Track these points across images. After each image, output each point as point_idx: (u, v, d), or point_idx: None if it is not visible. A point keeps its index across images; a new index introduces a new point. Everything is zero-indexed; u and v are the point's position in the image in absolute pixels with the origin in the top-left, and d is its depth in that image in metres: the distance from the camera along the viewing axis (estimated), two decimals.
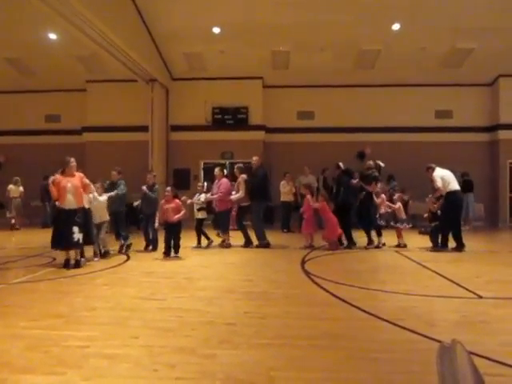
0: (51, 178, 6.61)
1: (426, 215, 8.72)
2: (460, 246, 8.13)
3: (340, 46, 12.76)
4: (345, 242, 8.75)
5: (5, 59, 13.47)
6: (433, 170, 8.53)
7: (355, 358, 2.98)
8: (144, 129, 13.93)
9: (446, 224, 8.22)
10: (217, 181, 8.92)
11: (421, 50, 12.74)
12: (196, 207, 8.89)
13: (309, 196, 8.98)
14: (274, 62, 13.75)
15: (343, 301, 4.49)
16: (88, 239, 6.75)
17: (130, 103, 14.32)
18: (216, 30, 12.24)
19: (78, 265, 6.38)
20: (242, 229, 8.98)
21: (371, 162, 9.05)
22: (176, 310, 4.19)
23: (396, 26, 11.94)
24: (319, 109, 14.78)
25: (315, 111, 14.84)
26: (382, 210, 8.65)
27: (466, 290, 5.00)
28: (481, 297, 4.68)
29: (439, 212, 8.33)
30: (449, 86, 14.25)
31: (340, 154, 13.75)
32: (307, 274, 6.02)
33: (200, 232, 8.81)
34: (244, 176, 8.86)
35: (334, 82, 14.40)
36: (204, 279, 5.79)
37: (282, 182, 12.29)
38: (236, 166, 9.29)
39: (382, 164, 9.54)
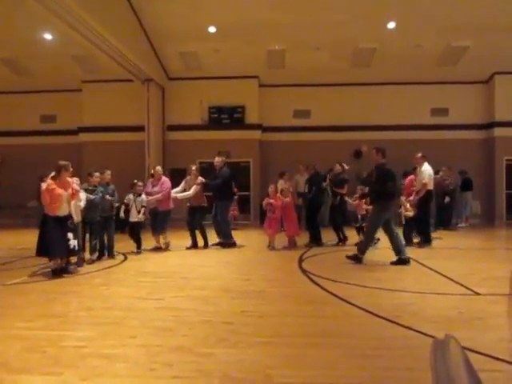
0: (45, 185, 5.95)
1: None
2: (428, 241, 8.49)
3: (336, 45, 12.77)
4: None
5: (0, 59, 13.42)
6: (424, 160, 8.69)
7: (352, 356, 2.99)
8: (140, 129, 13.92)
9: (425, 220, 8.55)
10: (151, 180, 8.60)
11: (416, 48, 12.76)
12: (136, 208, 7.92)
13: (279, 194, 8.83)
14: (270, 60, 13.75)
15: (340, 298, 4.51)
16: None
17: (126, 103, 14.30)
18: (211, 29, 12.23)
19: (65, 271, 5.96)
20: (202, 229, 8.66)
21: (339, 167, 9.17)
22: (173, 309, 4.19)
23: (391, 25, 11.97)
24: (315, 107, 14.79)
25: (311, 110, 14.85)
26: (363, 212, 8.73)
27: (463, 286, 5.03)
28: (477, 293, 4.70)
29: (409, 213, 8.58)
30: (444, 83, 14.28)
31: (336, 152, 13.78)
32: (304, 272, 6.04)
33: (137, 236, 8.08)
34: (202, 179, 8.62)
35: (329, 81, 14.40)
36: (201, 279, 5.79)
37: (280, 181, 12.30)
38: (195, 167, 8.99)
39: (346, 166, 9.65)
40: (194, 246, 8.66)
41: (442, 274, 5.75)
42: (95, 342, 3.26)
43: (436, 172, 11.67)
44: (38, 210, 12.98)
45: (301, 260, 7.03)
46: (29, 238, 10.36)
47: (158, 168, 8.75)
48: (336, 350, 3.10)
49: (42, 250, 6.07)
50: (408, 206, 8.53)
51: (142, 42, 12.58)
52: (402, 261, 6.54)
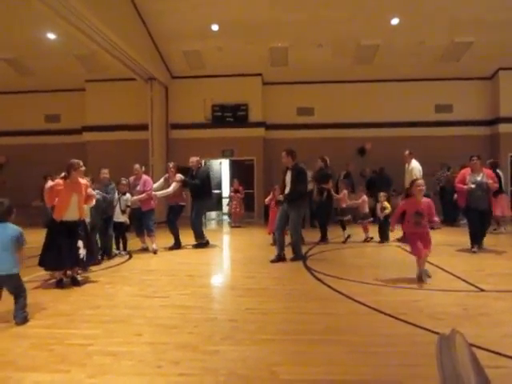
0: (50, 183, 5.39)
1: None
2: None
3: (338, 42, 12.74)
4: None
5: (3, 60, 13.47)
6: (412, 157, 8.83)
7: (357, 352, 3.00)
8: (144, 127, 13.95)
9: None
10: (133, 177, 8.19)
11: (420, 45, 12.72)
12: (121, 208, 7.50)
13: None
14: (273, 58, 13.73)
15: (345, 296, 4.51)
16: (92, 256, 5.68)
17: (130, 102, 14.33)
18: (214, 27, 12.23)
19: (76, 282, 5.32)
20: (174, 229, 8.34)
21: (321, 162, 9.05)
22: (178, 307, 4.21)
23: (394, 21, 11.92)
24: (319, 105, 14.77)
25: (315, 107, 14.83)
26: (344, 205, 8.76)
27: (468, 283, 5.02)
28: (482, 290, 4.70)
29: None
30: (448, 79, 14.23)
31: (340, 149, 13.80)
32: (309, 269, 6.04)
33: (123, 237, 7.78)
34: (181, 176, 8.29)
35: (333, 78, 14.38)
36: (206, 276, 5.81)
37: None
38: (173, 164, 8.65)
39: (328, 160, 9.52)
40: (178, 244, 8.36)
41: (446, 271, 5.74)
42: (102, 340, 3.28)
43: (447, 168, 11.75)
44: (43, 210, 13.13)
45: (305, 257, 7.03)
46: (33, 238, 10.42)
47: (137, 166, 8.32)
48: (341, 346, 3.11)
49: (51, 261, 5.25)
50: (385, 203, 8.59)
51: (145, 41, 12.60)
52: (295, 258, 6.84)
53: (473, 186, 7.28)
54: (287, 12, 11.42)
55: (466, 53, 13.12)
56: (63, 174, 5.40)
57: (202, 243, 8.49)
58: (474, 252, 7.22)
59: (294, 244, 6.98)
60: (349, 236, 8.77)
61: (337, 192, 9.62)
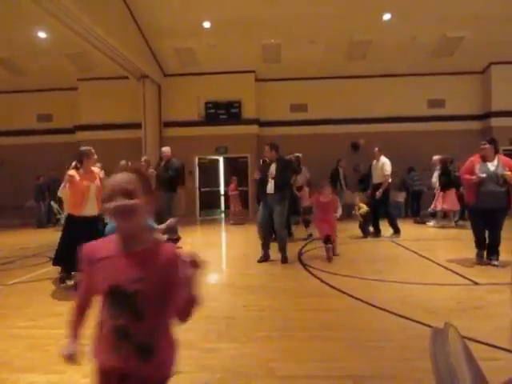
0: (71, 171, 4.94)
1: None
2: (398, 232, 8.80)
3: (331, 38, 12.73)
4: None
5: None
6: (381, 154, 8.99)
7: (354, 348, 3.01)
8: (137, 126, 13.90)
9: (389, 212, 8.89)
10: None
11: (412, 40, 12.74)
12: None
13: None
14: (266, 55, 13.71)
15: (341, 291, 4.53)
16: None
17: (122, 101, 14.26)
18: (206, 24, 12.19)
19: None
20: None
21: (291, 156, 8.99)
22: None
23: (386, 16, 11.95)
24: (312, 101, 14.78)
25: (308, 104, 14.84)
26: (307, 203, 8.58)
27: (462, 277, 5.06)
28: (476, 283, 4.73)
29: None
30: (440, 74, 14.28)
31: (334, 145, 13.83)
32: (304, 266, 6.06)
33: None
34: (153, 170, 8.10)
35: (326, 74, 14.38)
36: (202, 274, 5.79)
37: None
38: (145, 158, 8.51)
39: (299, 155, 9.44)
40: None
41: (441, 265, 5.77)
42: None
43: (450, 162, 11.79)
44: (36, 210, 13.07)
45: (300, 254, 7.05)
46: (28, 238, 10.39)
47: (122, 163, 7.90)
48: (337, 342, 3.12)
49: (59, 258, 5.00)
50: (361, 204, 8.65)
51: (136, 39, 12.53)
52: (285, 259, 6.39)
53: (483, 175, 5.58)
54: (279, 8, 11.40)
55: (458, 48, 13.17)
56: (74, 164, 5.09)
57: (173, 239, 8.05)
58: (481, 259, 5.84)
59: (282, 242, 6.53)
60: (311, 234, 8.70)
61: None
